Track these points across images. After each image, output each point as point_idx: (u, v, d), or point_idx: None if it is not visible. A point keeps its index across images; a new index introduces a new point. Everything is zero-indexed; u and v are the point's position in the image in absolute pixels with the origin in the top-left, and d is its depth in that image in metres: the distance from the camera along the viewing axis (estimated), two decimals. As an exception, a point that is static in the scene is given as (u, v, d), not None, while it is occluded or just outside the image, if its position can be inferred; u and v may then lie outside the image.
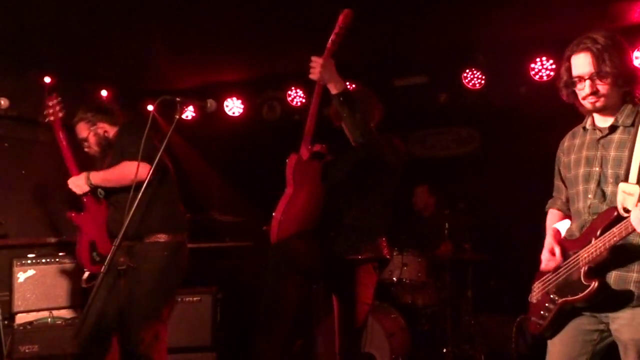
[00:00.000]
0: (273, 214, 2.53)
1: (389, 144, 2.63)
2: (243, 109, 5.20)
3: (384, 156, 2.56)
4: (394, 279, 4.02)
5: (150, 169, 2.51)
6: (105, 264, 2.21)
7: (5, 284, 4.10)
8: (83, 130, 3.06)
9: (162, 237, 2.90)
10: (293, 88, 4.97)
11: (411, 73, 4.42)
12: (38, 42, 3.96)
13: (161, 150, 2.46)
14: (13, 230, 4.29)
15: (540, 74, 4.08)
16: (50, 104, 3.11)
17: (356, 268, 2.57)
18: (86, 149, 3.10)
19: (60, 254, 4.35)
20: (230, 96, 5.19)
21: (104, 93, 4.83)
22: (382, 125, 4.39)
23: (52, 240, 4.48)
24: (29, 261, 4.18)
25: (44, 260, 4.23)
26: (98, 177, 2.93)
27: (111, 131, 3.05)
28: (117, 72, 4.65)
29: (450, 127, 5.08)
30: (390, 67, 4.49)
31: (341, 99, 2.36)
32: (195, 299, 4.03)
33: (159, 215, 2.88)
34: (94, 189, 2.97)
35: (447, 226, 4.16)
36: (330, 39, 2.38)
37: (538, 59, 4.07)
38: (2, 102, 3.00)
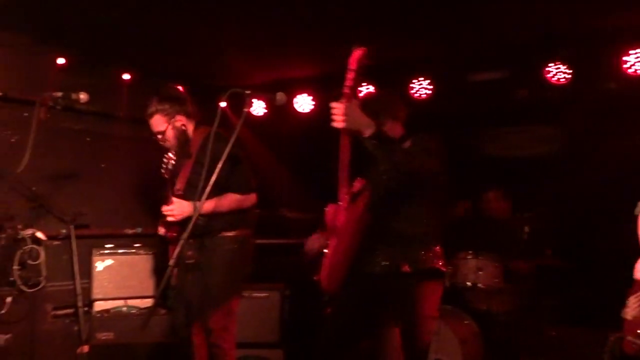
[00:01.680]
0: (323, 262, 2.47)
1: (429, 153, 2.44)
2: (314, 105, 5.16)
3: (427, 175, 2.41)
4: (468, 283, 3.85)
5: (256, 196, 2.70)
6: (174, 257, 2.23)
7: (85, 271, 4.28)
8: (160, 123, 2.98)
9: (229, 232, 2.94)
10: (363, 83, 4.85)
11: (488, 67, 4.22)
12: (117, 40, 4.09)
13: (230, 145, 2.42)
14: (93, 221, 4.44)
15: (634, 67, 3.77)
16: None
17: (414, 281, 2.44)
18: (161, 143, 3.06)
19: (136, 245, 4.50)
20: (301, 92, 5.16)
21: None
22: (450, 120, 4.31)
23: (129, 231, 4.64)
24: (107, 251, 4.35)
25: (120, 251, 4.38)
26: (208, 208, 2.82)
27: (189, 125, 3.00)
28: (190, 68, 4.74)
29: (529, 124, 4.80)
30: (466, 61, 4.31)
31: (374, 142, 2.22)
32: (263, 295, 4.05)
33: (229, 214, 2.91)
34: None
35: (526, 230, 3.95)
36: (345, 84, 2.24)
37: (632, 52, 3.76)
38: (82, 96, 3.08)
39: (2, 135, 4.01)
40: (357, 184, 2.54)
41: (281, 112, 5.04)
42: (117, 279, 4.29)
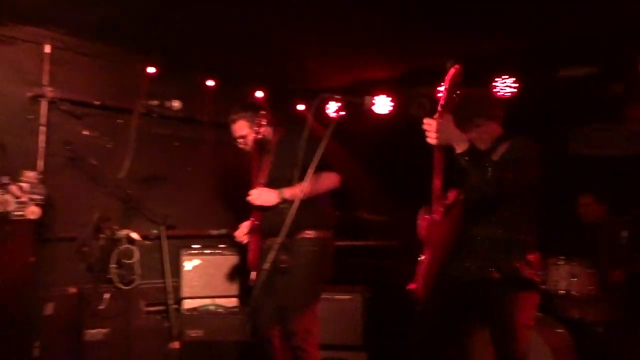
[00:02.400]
0: (417, 273, 2.44)
1: (525, 162, 2.35)
2: (392, 106, 5.10)
3: (520, 186, 2.32)
4: (560, 291, 3.67)
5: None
6: (269, 261, 2.26)
7: (174, 271, 4.47)
8: (242, 128, 3.13)
9: (310, 234, 2.97)
10: (442, 84, 4.75)
11: (579, 62, 3.99)
12: (201, 47, 4.22)
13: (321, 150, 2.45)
14: (180, 222, 4.61)
15: None
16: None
17: (505, 289, 2.37)
18: (241, 146, 3.20)
19: (221, 245, 4.63)
20: (378, 93, 5.10)
21: (259, 94, 5.01)
22: (538, 120, 4.12)
23: (214, 232, 4.79)
24: (195, 251, 4.51)
25: (207, 251, 4.52)
26: (290, 192, 2.91)
27: (267, 131, 3.13)
28: (269, 72, 4.81)
29: (624, 122, 4.47)
30: (554, 55, 4.10)
31: (467, 158, 2.19)
32: (345, 297, 4.04)
33: (310, 214, 2.89)
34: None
35: (624, 235, 3.72)
36: (440, 100, 2.23)
37: None
38: (175, 103, 3.23)
39: (99, 142, 4.23)
40: (451, 196, 2.49)
41: (358, 113, 5.01)
42: (204, 278, 4.42)
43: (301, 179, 2.71)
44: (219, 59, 4.49)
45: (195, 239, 4.67)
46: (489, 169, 2.22)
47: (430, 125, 2.21)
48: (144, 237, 4.26)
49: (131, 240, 4.11)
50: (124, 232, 4.07)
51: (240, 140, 3.16)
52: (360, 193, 5.22)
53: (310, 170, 2.54)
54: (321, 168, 2.89)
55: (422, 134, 4.56)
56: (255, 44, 4.16)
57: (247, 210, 3.22)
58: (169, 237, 4.42)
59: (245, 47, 4.22)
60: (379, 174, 5.30)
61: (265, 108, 3.19)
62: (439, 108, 2.25)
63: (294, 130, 2.87)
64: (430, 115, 4.79)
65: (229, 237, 4.73)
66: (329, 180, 3.00)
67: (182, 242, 4.60)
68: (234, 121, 3.14)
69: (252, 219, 3.08)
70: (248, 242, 3.13)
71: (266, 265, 2.33)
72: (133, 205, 4.26)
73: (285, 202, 2.93)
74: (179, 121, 4.53)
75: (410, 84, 4.90)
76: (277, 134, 3.17)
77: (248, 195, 3.02)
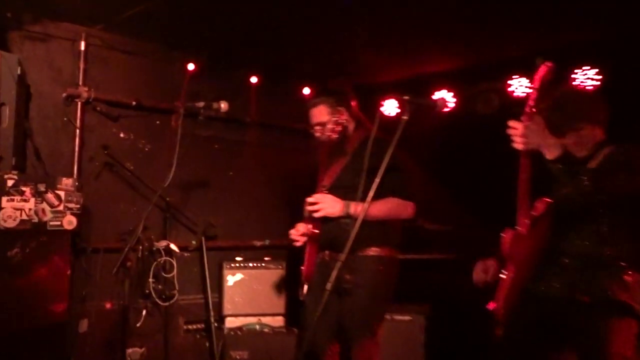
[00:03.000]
0: (499, 292, 2.39)
1: (628, 170, 2.24)
2: (455, 102, 5.06)
3: (620, 197, 2.24)
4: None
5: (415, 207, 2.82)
6: (331, 281, 2.26)
7: (215, 284, 4.51)
8: (322, 114, 3.06)
9: (374, 250, 2.94)
10: (514, 77, 4.68)
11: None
12: (244, 43, 4.27)
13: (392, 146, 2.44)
14: (222, 232, 4.66)
15: None
16: None
17: (596, 312, 2.30)
18: (317, 134, 3.12)
19: (266, 258, 4.66)
20: (440, 88, 5.06)
21: (306, 91, 5.03)
22: (624, 116, 3.94)
23: (257, 243, 4.83)
24: (237, 264, 4.55)
25: (251, 265, 4.56)
26: (360, 209, 2.74)
27: (349, 124, 3.10)
28: (318, 67, 4.84)
29: None
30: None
31: (559, 166, 2.13)
32: (406, 318, 4.01)
33: (376, 229, 2.88)
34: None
35: None
36: (529, 101, 2.17)
37: None
38: (223, 105, 3.28)
39: (137, 144, 4.36)
40: (539, 206, 2.44)
41: (418, 111, 4.98)
42: (248, 294, 4.47)
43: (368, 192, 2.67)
44: (264, 54, 4.54)
45: (238, 250, 4.72)
46: (585, 177, 2.17)
47: (516, 129, 2.17)
48: (183, 249, 4.33)
49: (170, 252, 4.18)
50: (162, 243, 4.14)
51: (317, 128, 3.09)
52: (421, 200, 5.18)
53: (371, 193, 2.50)
54: (400, 194, 2.91)
55: (490, 134, 4.52)
56: (304, 37, 4.18)
57: (294, 219, 3.21)
58: (209, 249, 4.47)
59: (293, 41, 4.25)
60: (441, 179, 5.24)
61: (352, 98, 3.18)
62: (527, 109, 2.19)
63: (380, 141, 2.67)
64: (499, 113, 4.81)
65: (273, 248, 4.88)
66: (404, 211, 2.99)
67: (224, 254, 4.64)
68: (314, 105, 3.09)
69: (309, 225, 3.05)
70: (304, 252, 3.10)
71: (328, 285, 2.33)
72: (172, 214, 4.35)
73: (349, 217, 2.88)
74: (222, 122, 4.59)
75: (476, 78, 4.87)
76: (357, 134, 3.11)
77: (308, 198, 2.99)
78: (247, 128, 4.88)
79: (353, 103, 3.15)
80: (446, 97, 5.02)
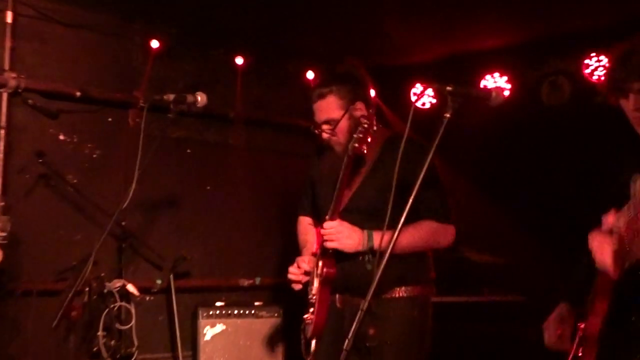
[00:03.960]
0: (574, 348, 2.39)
1: None
2: (510, 89, 5.06)
3: None
4: None
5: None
6: (350, 337, 2.22)
7: (187, 338, 4.47)
8: (333, 107, 3.01)
9: (404, 291, 2.94)
10: (591, 56, 4.68)
11: None
12: (228, 11, 4.27)
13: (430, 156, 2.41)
14: (196, 267, 4.65)
15: None
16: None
17: None
18: (324, 136, 3.07)
19: (257, 303, 4.63)
20: (489, 71, 5.07)
21: (309, 75, 5.03)
22: None
23: (245, 282, 4.81)
24: (218, 312, 4.51)
25: (236, 312, 4.52)
26: (386, 240, 2.65)
27: (370, 123, 2.96)
28: (325, 44, 4.87)
29: None
30: None
31: None
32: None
33: (404, 263, 2.86)
34: None
35: None
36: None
37: None
38: (200, 97, 3.26)
39: (82, 150, 4.33)
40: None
41: (463, 104, 4.97)
42: (232, 352, 4.44)
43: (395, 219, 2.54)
44: (253, 27, 4.55)
45: (219, 292, 4.70)
46: None
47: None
48: (144, 291, 4.31)
49: (126, 296, 4.15)
50: (116, 283, 4.11)
51: (325, 128, 3.05)
52: (463, 219, 5.14)
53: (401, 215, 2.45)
54: (438, 215, 2.90)
55: (560, 129, 4.46)
56: (307, 3, 4.16)
57: (294, 251, 3.21)
58: (180, 290, 4.45)
59: (292, 8, 4.23)
60: (492, 194, 5.22)
61: (368, 85, 3.15)
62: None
63: (414, 145, 2.64)
64: (571, 103, 4.80)
65: (266, 288, 4.85)
66: (443, 238, 3.00)
67: (200, 298, 4.63)
68: (321, 96, 3.03)
69: (321, 261, 2.99)
70: (308, 295, 3.08)
71: (346, 344, 2.29)
72: (130, 244, 4.32)
73: (371, 251, 2.84)
74: (198, 119, 4.59)
75: (540, 57, 4.89)
76: (381, 134, 3.06)
77: (322, 228, 2.93)
78: (231, 127, 4.88)
79: (372, 92, 3.12)
80: (500, 83, 5.03)
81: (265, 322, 4.57)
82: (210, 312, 4.52)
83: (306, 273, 3.06)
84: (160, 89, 3.81)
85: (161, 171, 4.50)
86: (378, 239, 2.79)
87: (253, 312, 4.58)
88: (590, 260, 2.37)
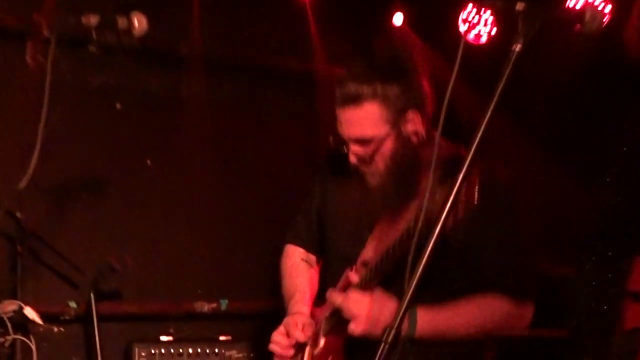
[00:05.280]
0: None
1: None
2: (611, 10, 5.03)
3: None
4: None
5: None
6: None
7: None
8: (374, 121, 3.03)
9: None
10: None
11: None
12: None
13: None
14: (132, 285, 4.66)
15: None
16: None
17: None
18: (354, 160, 3.10)
19: (222, 338, 4.66)
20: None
21: (398, 19, 5.10)
22: None
23: (205, 307, 4.80)
24: (163, 349, 4.52)
25: (191, 351, 4.54)
26: (428, 322, 2.86)
27: (421, 133, 3.06)
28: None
29: None
30: None
31: None
32: None
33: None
34: None
35: None
36: None
37: None
38: (137, 21, 3.25)
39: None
40: None
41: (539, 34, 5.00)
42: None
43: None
44: None
45: (164, 322, 4.74)
46: None
47: None
48: (50, 318, 4.34)
49: (24, 325, 4.17)
50: (9, 306, 4.11)
51: (359, 149, 3.08)
52: (545, 221, 5.18)
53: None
54: (512, 289, 2.92)
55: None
56: None
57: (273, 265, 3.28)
58: (106, 318, 4.46)
59: None
60: (584, 174, 5.19)
61: (423, 79, 3.15)
62: None
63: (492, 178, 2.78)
64: None
65: (234, 317, 4.89)
66: (517, 324, 3.07)
67: (136, 330, 4.67)
68: (356, 100, 3.03)
69: (324, 338, 3.09)
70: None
71: None
72: (29, 249, 4.31)
73: (410, 341, 2.88)
74: (134, 57, 4.47)
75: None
76: (429, 151, 2.96)
77: (350, 295, 2.97)
78: (184, 70, 4.88)
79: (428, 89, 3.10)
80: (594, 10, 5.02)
81: (231, 362, 4.59)
82: (152, 351, 4.53)
83: (299, 346, 3.16)
84: (75, 10, 3.72)
85: (77, 137, 4.53)
86: (424, 318, 2.85)
87: (217, 351, 4.61)
88: None
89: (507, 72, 2.36)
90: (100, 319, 4.39)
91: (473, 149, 2.32)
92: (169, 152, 4.93)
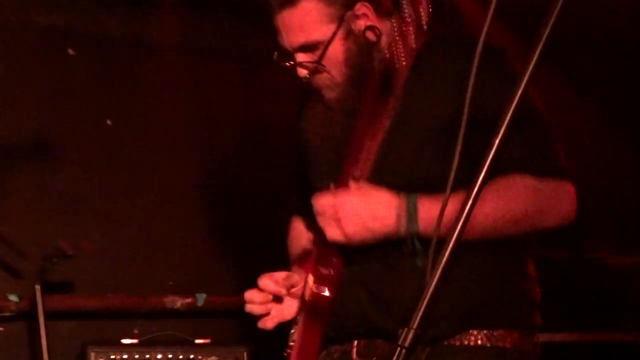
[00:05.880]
0: None
1: None
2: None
3: None
4: None
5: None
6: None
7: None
8: (314, 22, 3.05)
9: (484, 337, 3.02)
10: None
11: None
12: None
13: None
14: (88, 273, 4.66)
15: None
16: None
17: None
18: (302, 72, 3.09)
19: (199, 341, 4.63)
20: None
21: None
22: None
23: (178, 303, 4.79)
24: (125, 354, 4.50)
25: (160, 356, 4.52)
26: (432, 212, 2.71)
27: (381, 26, 3.07)
28: None
29: None
30: None
31: None
32: None
33: (480, 279, 2.98)
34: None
35: None
36: None
37: None
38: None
39: None
40: None
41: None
42: None
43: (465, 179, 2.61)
44: None
45: (128, 319, 4.75)
46: None
47: None
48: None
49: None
50: None
51: (303, 59, 3.10)
52: (599, 199, 5.20)
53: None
54: (532, 168, 2.92)
55: None
56: None
57: (269, 252, 3.27)
58: (55, 315, 4.47)
59: None
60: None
61: None
62: None
63: (461, 45, 2.79)
64: None
65: (217, 315, 4.90)
66: (553, 205, 3.01)
67: (92, 329, 4.68)
68: (291, 1, 3.04)
69: (308, 271, 3.04)
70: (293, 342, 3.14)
71: None
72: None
73: (413, 239, 2.87)
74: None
75: None
76: (415, 48, 3.09)
77: (317, 198, 2.92)
78: (153, 8, 4.83)
79: None
80: None
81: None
82: (112, 356, 4.52)
83: (277, 299, 3.13)
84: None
85: (21, 90, 4.55)
86: (428, 210, 2.81)
87: (192, 356, 4.60)
88: None
89: (552, 18, 2.31)
90: (49, 316, 4.37)
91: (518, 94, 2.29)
92: (134, 110, 4.94)
